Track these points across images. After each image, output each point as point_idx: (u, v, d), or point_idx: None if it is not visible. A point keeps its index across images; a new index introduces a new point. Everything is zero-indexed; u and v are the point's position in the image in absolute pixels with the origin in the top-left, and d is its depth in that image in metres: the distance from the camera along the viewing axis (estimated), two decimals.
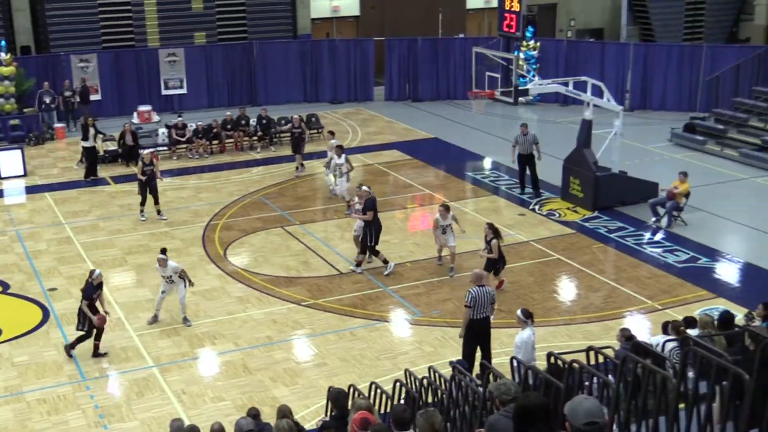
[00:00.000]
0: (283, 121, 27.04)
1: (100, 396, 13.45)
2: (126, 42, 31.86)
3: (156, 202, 20.74)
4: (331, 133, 23.93)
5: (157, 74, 30.86)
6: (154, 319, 15.65)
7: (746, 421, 6.20)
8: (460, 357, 13.08)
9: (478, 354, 13.22)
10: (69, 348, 14.51)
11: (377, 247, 17.62)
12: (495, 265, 16.44)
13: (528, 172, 22.16)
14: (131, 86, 30.57)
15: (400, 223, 20.51)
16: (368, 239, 17.52)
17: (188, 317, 15.62)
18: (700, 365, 6.66)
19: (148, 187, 20.48)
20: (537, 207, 21.35)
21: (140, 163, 20.80)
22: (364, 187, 18.17)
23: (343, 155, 20.90)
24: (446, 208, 17.40)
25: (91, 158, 24.01)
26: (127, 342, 15.03)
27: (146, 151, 21.53)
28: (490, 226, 16.63)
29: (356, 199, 18.27)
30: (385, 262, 17.66)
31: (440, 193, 22.66)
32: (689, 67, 29.91)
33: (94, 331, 14.45)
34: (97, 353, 14.52)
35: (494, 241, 16.26)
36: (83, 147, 24.20)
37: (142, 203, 20.67)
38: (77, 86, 29.03)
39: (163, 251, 15.52)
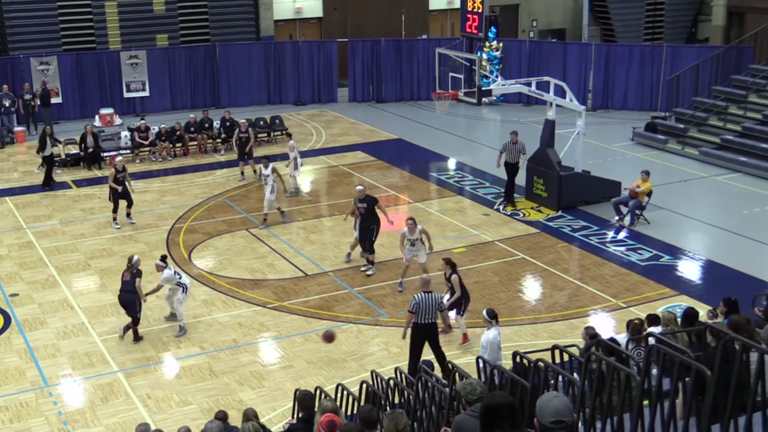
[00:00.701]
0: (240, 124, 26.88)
1: (64, 402, 13.31)
2: (87, 44, 31.52)
3: (129, 206, 20.50)
4: (289, 135, 23.94)
5: (119, 77, 30.59)
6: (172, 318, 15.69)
7: (708, 417, 6.28)
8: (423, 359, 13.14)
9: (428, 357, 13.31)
10: (135, 336, 15.01)
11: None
12: (459, 302, 14.83)
13: (510, 179, 21.50)
14: (93, 89, 30.27)
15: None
16: (374, 235, 17.62)
17: (183, 326, 15.32)
18: (663, 362, 6.73)
19: (121, 195, 20.25)
20: (501, 207, 21.45)
21: (113, 170, 20.29)
22: (359, 187, 18.05)
23: (270, 165, 20.15)
24: (414, 222, 16.60)
25: (49, 166, 23.68)
26: (90, 347, 14.89)
27: (118, 158, 21.24)
28: (447, 261, 14.96)
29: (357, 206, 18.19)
30: (371, 263, 17.81)
31: (405, 194, 22.71)
32: (650, 66, 30.23)
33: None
34: (137, 337, 15.02)
35: (454, 277, 14.70)
36: (42, 156, 23.87)
37: (115, 210, 20.39)
38: (37, 89, 28.69)
39: (162, 258, 15.37)
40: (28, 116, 28.70)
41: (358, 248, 18.05)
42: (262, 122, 28.00)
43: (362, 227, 17.71)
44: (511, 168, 21.52)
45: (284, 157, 24.10)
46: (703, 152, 25.09)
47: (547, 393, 5.01)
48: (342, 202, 22.01)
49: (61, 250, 19.18)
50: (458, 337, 14.72)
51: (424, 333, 13.33)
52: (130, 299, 14.81)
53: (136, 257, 15.17)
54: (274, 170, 20.13)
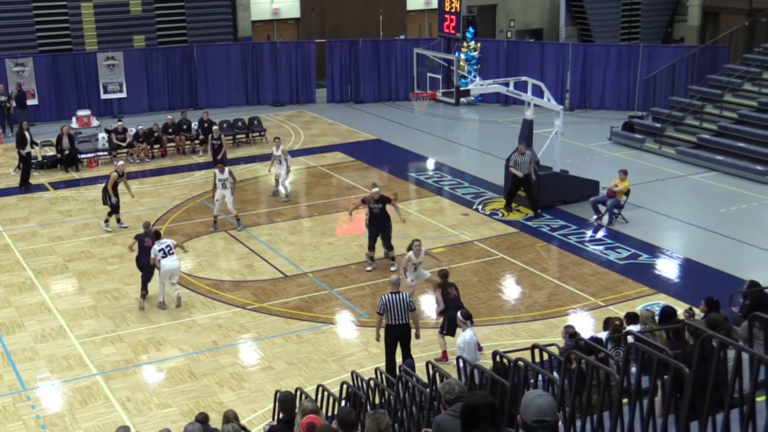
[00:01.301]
0: (220, 126, 26.80)
1: (42, 406, 13.21)
2: (63, 45, 31.29)
3: (117, 211, 20.37)
4: (276, 138, 23.93)
5: (96, 78, 30.40)
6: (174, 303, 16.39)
7: (687, 414, 6.32)
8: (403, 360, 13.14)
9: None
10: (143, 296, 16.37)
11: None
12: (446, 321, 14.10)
13: (524, 193, 20.73)
14: (69, 90, 30.07)
15: (344, 225, 20.48)
16: (390, 232, 17.75)
17: (164, 302, 16.25)
18: (642, 360, 6.77)
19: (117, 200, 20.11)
20: (480, 207, 21.50)
21: (115, 174, 19.96)
22: (375, 189, 17.99)
23: (227, 170, 19.92)
24: (420, 244, 15.65)
25: (27, 166, 23.50)
26: (69, 350, 14.79)
27: (120, 162, 21.09)
28: (443, 276, 14.25)
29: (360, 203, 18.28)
30: (392, 258, 17.93)
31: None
32: (627, 66, 30.41)
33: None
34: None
35: (438, 292, 14.23)
36: (21, 155, 23.65)
37: (110, 214, 20.20)
38: (13, 91, 28.47)
39: (156, 233, 16.49)
40: (3, 118, 28.47)
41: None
42: (240, 123, 27.93)
43: (377, 226, 17.75)
44: (520, 181, 20.50)
45: (265, 157, 24.09)
46: (680, 151, 25.26)
47: (533, 391, 5.00)
48: (321, 203, 22.02)
49: (38, 253, 19.04)
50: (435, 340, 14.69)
51: (395, 334, 13.27)
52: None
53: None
54: (230, 173, 20.01)
